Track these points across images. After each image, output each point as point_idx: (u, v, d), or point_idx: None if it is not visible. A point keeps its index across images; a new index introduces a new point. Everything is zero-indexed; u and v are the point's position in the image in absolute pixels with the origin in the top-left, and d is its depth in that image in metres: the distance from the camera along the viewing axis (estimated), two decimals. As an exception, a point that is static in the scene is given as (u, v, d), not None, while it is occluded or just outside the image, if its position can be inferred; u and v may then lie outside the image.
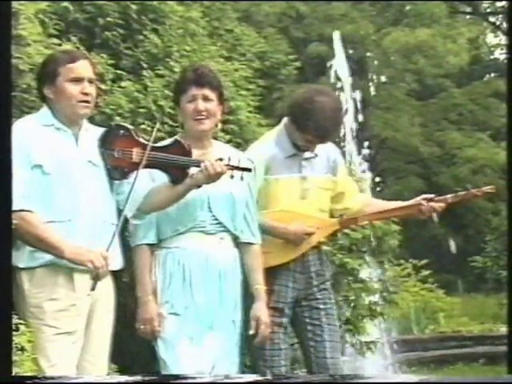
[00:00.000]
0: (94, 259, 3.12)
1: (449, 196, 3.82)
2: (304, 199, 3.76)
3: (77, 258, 3.13)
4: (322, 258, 3.88)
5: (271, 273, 3.67)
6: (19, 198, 3.06)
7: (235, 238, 3.58)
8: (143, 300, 3.45)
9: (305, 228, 3.70)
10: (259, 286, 3.58)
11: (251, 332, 3.52)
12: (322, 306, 3.78)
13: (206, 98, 3.50)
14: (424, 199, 3.81)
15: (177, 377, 3.23)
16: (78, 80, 3.25)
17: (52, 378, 2.95)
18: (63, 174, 3.19)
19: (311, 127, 3.67)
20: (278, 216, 3.73)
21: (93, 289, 3.14)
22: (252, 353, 3.75)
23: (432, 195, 3.85)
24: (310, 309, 3.78)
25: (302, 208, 3.74)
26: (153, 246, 3.49)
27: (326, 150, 3.87)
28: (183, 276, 3.43)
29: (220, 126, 3.68)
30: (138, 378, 3.03)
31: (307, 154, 3.80)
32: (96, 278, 3.13)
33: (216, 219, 3.49)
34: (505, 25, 18.04)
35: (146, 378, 2.99)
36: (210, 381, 3.02)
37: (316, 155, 3.82)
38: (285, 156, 3.77)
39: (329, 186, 3.84)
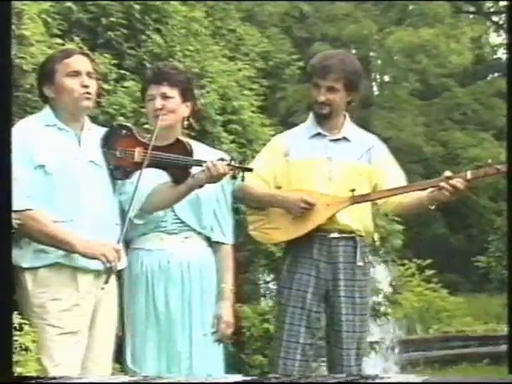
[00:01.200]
0: (106, 252, 3.11)
1: (468, 172, 3.62)
2: (330, 181, 3.67)
3: (89, 252, 3.12)
4: (357, 251, 3.71)
5: (293, 260, 3.66)
6: (24, 198, 3.07)
7: (207, 237, 3.53)
8: None
9: (303, 196, 3.60)
10: (225, 285, 3.53)
11: (211, 330, 3.46)
12: (343, 312, 3.67)
13: (164, 96, 3.48)
14: (444, 177, 3.59)
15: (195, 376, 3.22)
16: (75, 74, 3.24)
17: (53, 378, 2.94)
18: (66, 174, 3.18)
19: (316, 68, 3.70)
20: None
21: (106, 282, 3.14)
22: (272, 343, 3.72)
23: (450, 173, 3.62)
24: (332, 311, 3.69)
25: (324, 191, 3.65)
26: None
27: (362, 138, 3.81)
28: (146, 279, 3.41)
29: (186, 123, 3.57)
30: (140, 378, 3.04)
31: (335, 136, 3.74)
32: (109, 271, 3.13)
33: (178, 218, 3.45)
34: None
35: (146, 378, 3.00)
36: (200, 381, 3.05)
37: (345, 138, 3.75)
38: (308, 136, 3.74)
39: (361, 172, 3.73)
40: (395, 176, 3.81)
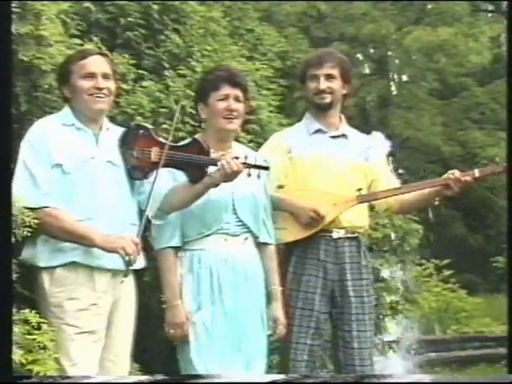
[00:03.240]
0: (125, 245, 3.12)
1: (476, 170, 3.69)
2: (333, 177, 3.71)
3: (108, 246, 3.13)
4: (361, 250, 3.78)
5: (300, 262, 3.67)
6: (42, 196, 3.10)
7: (256, 238, 3.59)
8: (172, 304, 3.43)
9: (313, 206, 3.63)
10: (275, 286, 3.58)
11: (269, 332, 3.52)
12: (353, 311, 3.70)
13: (237, 98, 3.51)
14: (451, 174, 3.67)
15: (198, 376, 3.23)
16: (90, 75, 3.26)
17: (52, 377, 2.95)
18: (83, 174, 3.20)
19: (311, 60, 3.81)
20: (298, 194, 3.69)
21: (125, 275, 3.16)
22: (280, 345, 3.74)
23: (457, 171, 3.71)
24: (342, 311, 3.70)
25: (328, 186, 3.69)
26: (177, 249, 3.48)
27: (359, 137, 3.88)
28: (211, 279, 3.42)
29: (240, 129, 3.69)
30: (159, 377, 3.05)
31: (335, 132, 3.79)
32: (128, 264, 3.14)
33: (240, 221, 3.49)
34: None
35: (162, 378, 3.01)
36: (228, 381, 3.07)
37: (344, 135, 3.80)
38: (309, 133, 3.78)
39: (360, 169, 3.78)
40: (390, 175, 3.94)
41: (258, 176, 3.35)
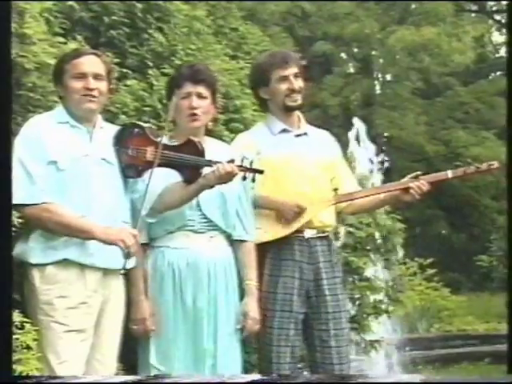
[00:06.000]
0: (124, 238, 3.13)
1: (449, 171, 3.72)
2: (303, 176, 3.70)
3: (108, 238, 3.15)
4: (331, 248, 3.79)
5: (276, 264, 3.66)
6: (39, 192, 3.12)
7: (228, 236, 3.56)
8: (135, 300, 3.43)
9: (297, 201, 3.63)
10: (250, 281, 3.55)
11: (238, 326, 3.50)
12: (330, 310, 3.70)
13: (200, 96, 3.50)
14: (412, 177, 3.71)
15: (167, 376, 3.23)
16: (81, 76, 3.28)
17: (52, 377, 2.96)
18: (77, 171, 3.21)
19: (275, 62, 3.74)
20: (274, 195, 3.68)
21: (124, 267, 3.17)
22: (258, 349, 3.74)
23: (419, 172, 3.74)
24: (318, 311, 3.70)
25: (299, 186, 3.69)
26: (144, 246, 3.47)
27: (318, 133, 3.88)
28: (173, 277, 3.42)
29: (211, 124, 3.63)
30: (138, 377, 3.05)
31: (297, 131, 3.78)
32: (127, 256, 3.15)
33: (205, 217, 3.48)
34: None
35: (145, 378, 3.01)
36: (212, 381, 3.02)
37: (306, 133, 3.80)
38: (275, 133, 3.76)
39: (324, 166, 3.78)
40: (347, 169, 3.98)
41: (253, 179, 3.35)
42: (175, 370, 3.35)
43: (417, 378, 2.01)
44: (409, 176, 3.72)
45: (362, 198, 3.78)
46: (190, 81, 3.50)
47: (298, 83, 3.73)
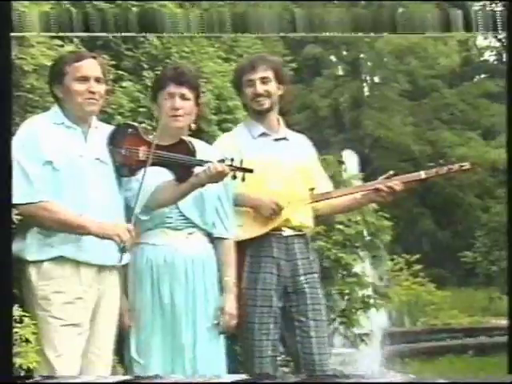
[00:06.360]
0: (120, 233, 3.14)
1: (422, 172, 3.71)
2: (280, 182, 3.72)
3: (103, 233, 3.15)
4: (308, 246, 3.80)
5: (255, 261, 3.67)
6: (35, 192, 3.14)
7: (208, 233, 3.55)
8: None
9: (275, 199, 3.64)
10: (227, 277, 3.54)
11: (214, 322, 3.48)
12: (309, 302, 3.70)
13: (183, 97, 3.50)
14: (384, 178, 3.72)
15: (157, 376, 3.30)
16: (84, 79, 3.27)
17: (50, 377, 3.08)
18: (72, 171, 3.21)
19: (244, 66, 3.80)
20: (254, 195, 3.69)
21: (120, 261, 3.19)
22: (241, 345, 3.74)
23: (392, 172, 3.75)
24: (297, 303, 3.69)
25: (277, 187, 3.70)
26: None
27: (296, 138, 3.94)
28: (151, 273, 3.44)
29: (194, 126, 3.66)
30: (128, 377, 3.24)
31: (276, 135, 3.84)
32: (123, 250, 3.16)
33: (183, 215, 3.47)
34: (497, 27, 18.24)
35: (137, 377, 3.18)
36: (200, 381, 3.21)
37: (285, 138, 3.85)
38: (254, 136, 3.77)
39: (302, 169, 3.80)
40: (322, 172, 4.03)
41: (243, 179, 3.39)
42: (155, 363, 3.38)
43: (411, 378, 2.11)
44: (382, 176, 3.74)
45: (336, 197, 3.85)
46: (174, 82, 3.51)
47: (265, 87, 3.71)
